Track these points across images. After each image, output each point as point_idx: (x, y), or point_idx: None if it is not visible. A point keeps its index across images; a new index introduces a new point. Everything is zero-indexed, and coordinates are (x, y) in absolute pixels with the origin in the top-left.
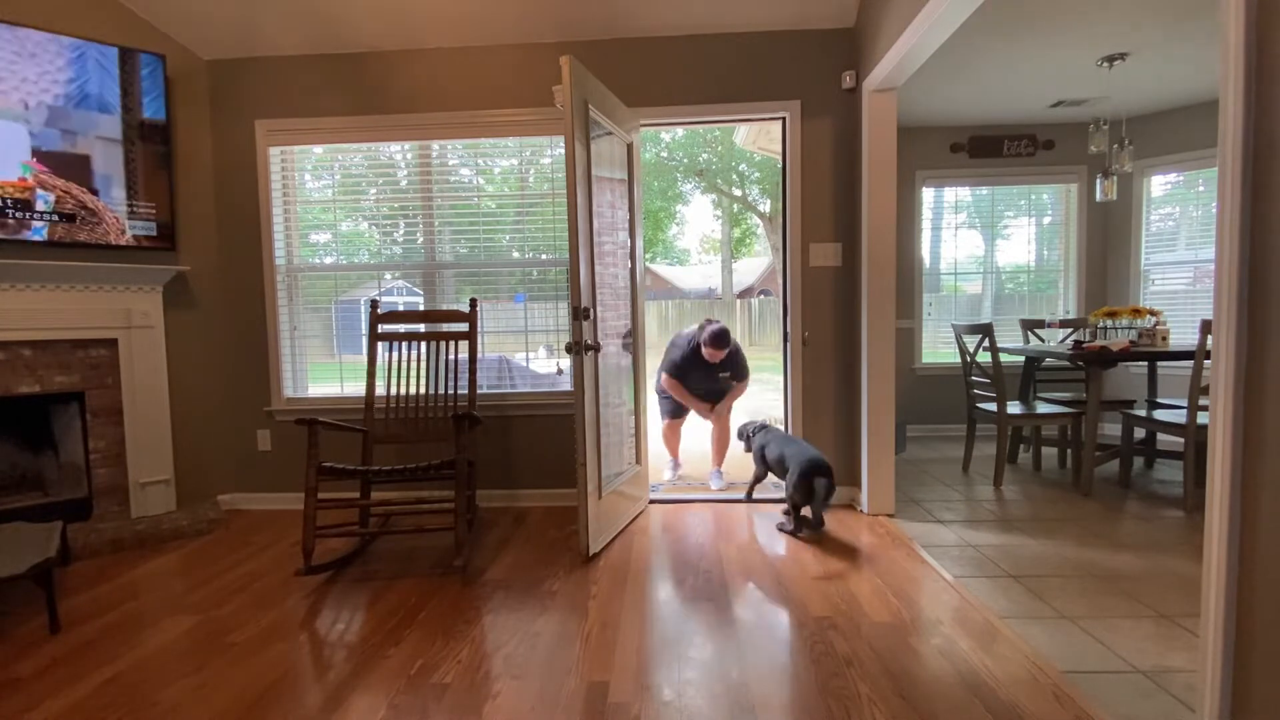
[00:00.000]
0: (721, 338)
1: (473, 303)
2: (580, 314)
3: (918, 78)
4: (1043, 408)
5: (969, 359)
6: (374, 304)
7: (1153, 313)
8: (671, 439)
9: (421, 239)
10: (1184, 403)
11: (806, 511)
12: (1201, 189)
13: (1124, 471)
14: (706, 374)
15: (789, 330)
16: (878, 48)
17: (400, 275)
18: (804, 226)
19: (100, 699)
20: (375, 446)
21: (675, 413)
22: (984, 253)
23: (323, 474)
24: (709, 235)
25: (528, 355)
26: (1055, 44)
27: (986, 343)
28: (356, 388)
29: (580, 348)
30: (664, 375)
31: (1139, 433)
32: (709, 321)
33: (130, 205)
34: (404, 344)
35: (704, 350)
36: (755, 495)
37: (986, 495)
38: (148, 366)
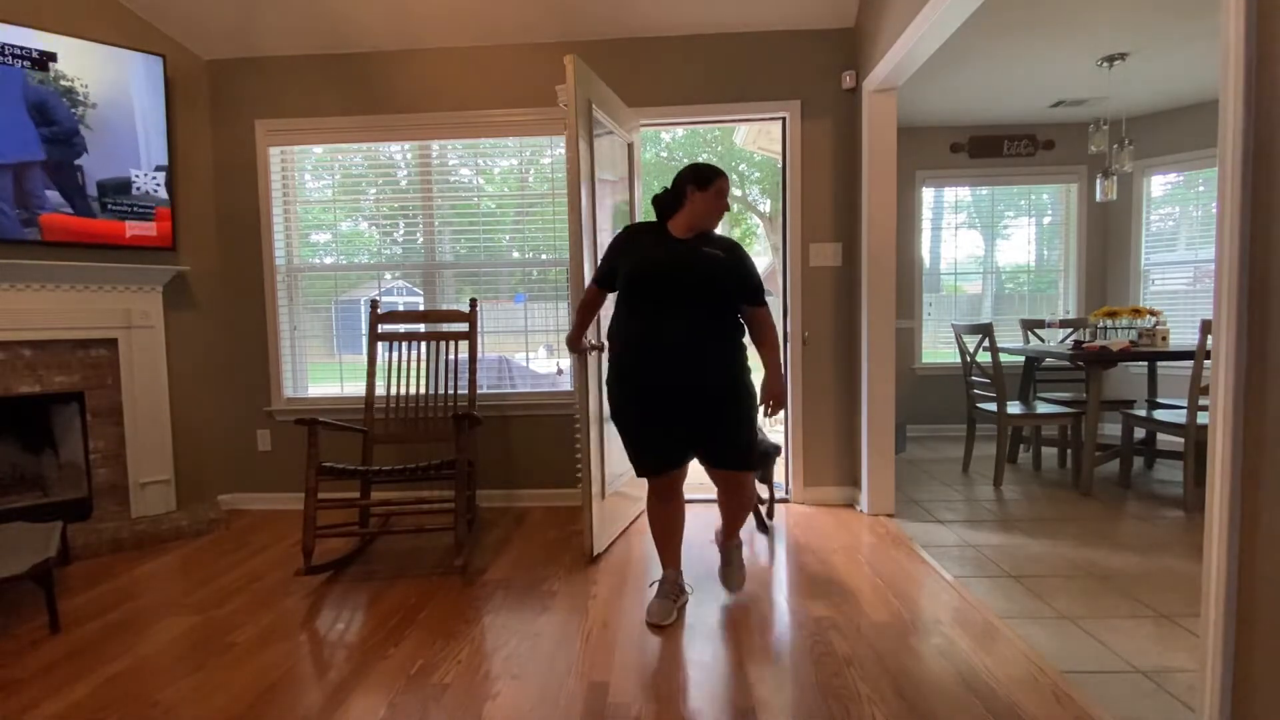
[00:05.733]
0: None
1: (473, 303)
2: None
3: (917, 77)
4: (1043, 408)
5: (969, 359)
6: (374, 304)
7: (1153, 313)
8: None
9: (421, 239)
10: (1184, 403)
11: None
12: (1201, 189)
13: (1124, 471)
14: None
15: (789, 330)
16: (877, 48)
17: (400, 275)
18: (804, 226)
19: (100, 699)
20: (375, 446)
21: None
22: (984, 253)
23: (323, 474)
24: None
25: (528, 355)
26: (1055, 44)
27: (986, 343)
28: (356, 388)
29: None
30: None
31: (1139, 433)
32: None
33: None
34: (404, 344)
35: None
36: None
37: (986, 495)
38: (148, 366)
